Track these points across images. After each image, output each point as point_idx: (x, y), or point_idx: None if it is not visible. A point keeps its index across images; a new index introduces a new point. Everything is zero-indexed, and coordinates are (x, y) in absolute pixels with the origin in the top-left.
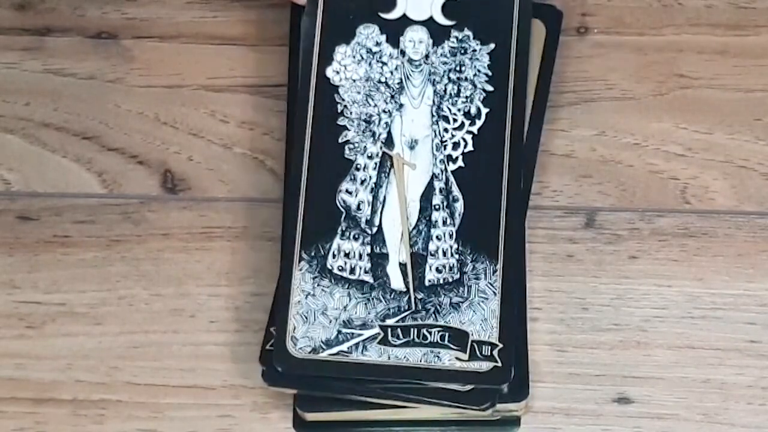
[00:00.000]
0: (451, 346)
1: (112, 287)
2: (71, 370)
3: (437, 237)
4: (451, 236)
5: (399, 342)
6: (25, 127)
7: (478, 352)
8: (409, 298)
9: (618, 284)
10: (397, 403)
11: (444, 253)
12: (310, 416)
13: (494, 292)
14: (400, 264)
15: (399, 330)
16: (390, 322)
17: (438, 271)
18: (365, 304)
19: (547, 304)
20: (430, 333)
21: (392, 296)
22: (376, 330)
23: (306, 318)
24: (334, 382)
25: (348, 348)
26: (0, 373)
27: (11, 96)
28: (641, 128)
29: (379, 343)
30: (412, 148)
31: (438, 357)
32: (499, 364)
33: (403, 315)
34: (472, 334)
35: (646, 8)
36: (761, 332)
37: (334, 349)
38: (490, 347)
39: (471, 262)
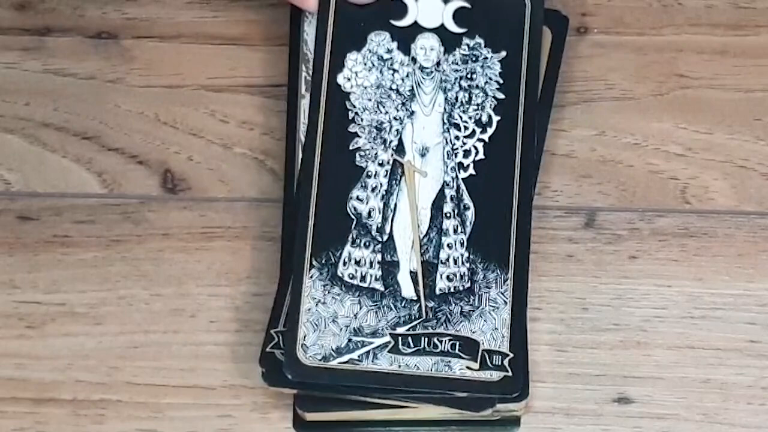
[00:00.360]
0: (462, 355)
1: (112, 287)
2: (71, 370)
3: (448, 245)
4: (462, 244)
5: (410, 350)
6: (25, 127)
7: (488, 362)
8: (420, 306)
9: (618, 284)
10: (396, 403)
11: (455, 262)
12: (310, 416)
13: (505, 302)
14: (410, 272)
15: (410, 338)
16: (401, 330)
17: (449, 279)
18: (376, 312)
19: (547, 304)
20: (440, 342)
21: (403, 304)
22: (387, 338)
23: (316, 326)
24: (340, 387)
25: (359, 356)
26: (0, 373)
27: (11, 96)
28: (641, 128)
29: (389, 351)
30: (423, 155)
31: (449, 366)
32: (510, 374)
33: (413, 323)
34: (483, 344)
35: (646, 8)
36: (761, 332)
37: (345, 357)
38: (501, 357)
39: (482, 270)
